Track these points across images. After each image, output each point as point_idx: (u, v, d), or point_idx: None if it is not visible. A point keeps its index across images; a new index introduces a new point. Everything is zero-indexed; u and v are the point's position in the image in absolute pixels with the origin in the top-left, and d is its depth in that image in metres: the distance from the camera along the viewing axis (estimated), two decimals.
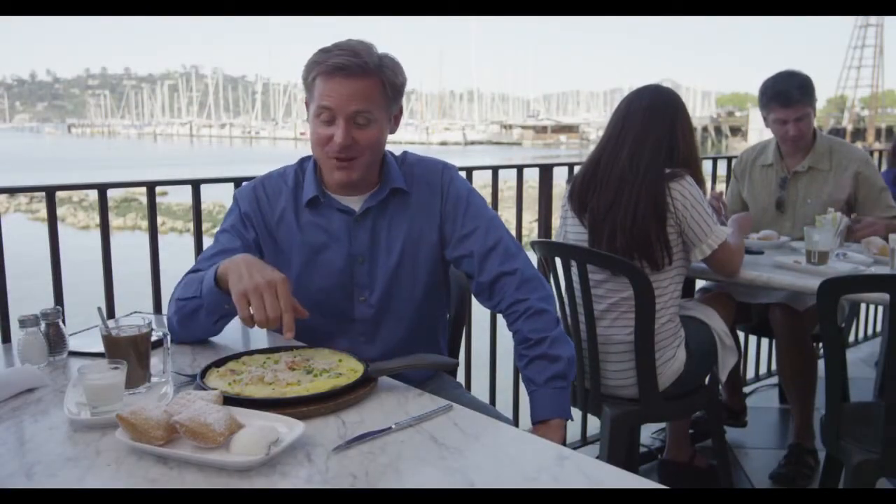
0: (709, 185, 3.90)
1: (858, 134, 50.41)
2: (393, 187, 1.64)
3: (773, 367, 3.68)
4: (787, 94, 2.78)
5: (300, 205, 1.65)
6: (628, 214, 2.11)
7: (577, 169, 2.96)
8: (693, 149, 2.22)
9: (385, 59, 1.55)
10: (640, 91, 2.25)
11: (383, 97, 1.55)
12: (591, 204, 2.20)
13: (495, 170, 2.85)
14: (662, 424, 2.94)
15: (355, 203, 1.64)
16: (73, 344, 1.55)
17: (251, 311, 1.33)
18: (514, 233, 2.74)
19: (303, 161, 1.71)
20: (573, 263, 2.18)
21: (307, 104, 1.63)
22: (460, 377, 2.37)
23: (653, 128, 2.16)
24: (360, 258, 1.63)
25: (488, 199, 2.26)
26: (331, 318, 1.65)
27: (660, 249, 2.12)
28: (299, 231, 1.65)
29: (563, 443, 1.48)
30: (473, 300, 1.83)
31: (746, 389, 3.47)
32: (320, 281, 1.63)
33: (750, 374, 3.68)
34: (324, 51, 1.54)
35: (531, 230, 3.65)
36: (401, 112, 1.65)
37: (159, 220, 2.34)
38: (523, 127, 77.95)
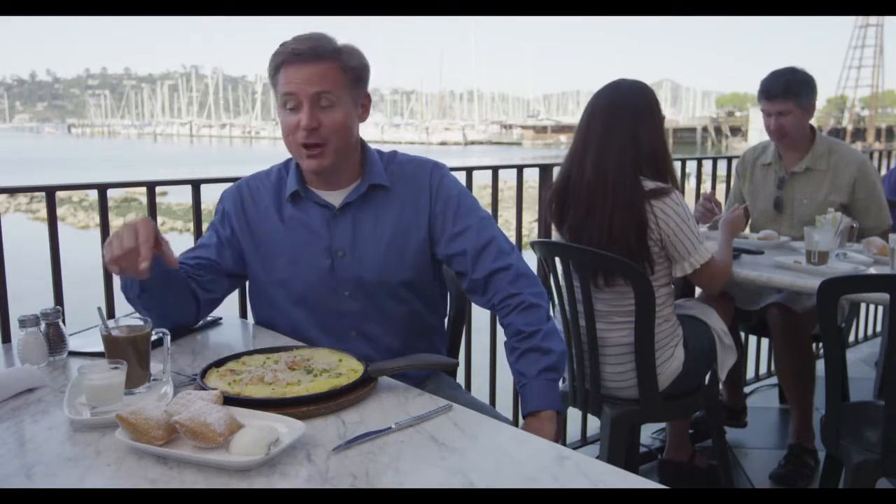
0: (708, 185, 3.92)
1: (858, 134, 50.43)
2: (372, 183, 1.65)
3: (773, 367, 3.68)
4: (770, 87, 2.79)
5: (282, 201, 1.68)
6: (603, 231, 2.08)
7: None
8: (661, 146, 2.12)
9: (342, 45, 1.60)
10: (602, 90, 2.17)
11: (344, 80, 1.58)
12: (567, 221, 2.19)
13: (495, 170, 2.85)
14: (662, 424, 2.94)
15: (335, 198, 1.66)
16: (73, 344, 1.55)
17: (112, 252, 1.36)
18: (514, 233, 2.75)
19: (289, 160, 1.73)
20: (572, 264, 2.18)
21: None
22: (460, 377, 2.37)
23: (615, 131, 2.08)
24: (341, 252, 1.63)
25: (488, 199, 2.26)
26: (318, 313, 1.66)
27: (641, 262, 2.09)
28: (282, 227, 1.67)
29: (556, 434, 1.48)
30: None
31: (746, 389, 3.47)
32: (304, 275, 1.65)
33: (750, 374, 3.68)
34: (283, 43, 1.59)
35: (531, 230, 3.65)
36: (368, 100, 1.68)
37: (159, 220, 2.35)
38: (523, 127, 78.00)
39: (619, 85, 2.17)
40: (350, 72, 1.59)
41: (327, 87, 1.55)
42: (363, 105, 1.66)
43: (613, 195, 2.07)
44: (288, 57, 1.55)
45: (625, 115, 2.10)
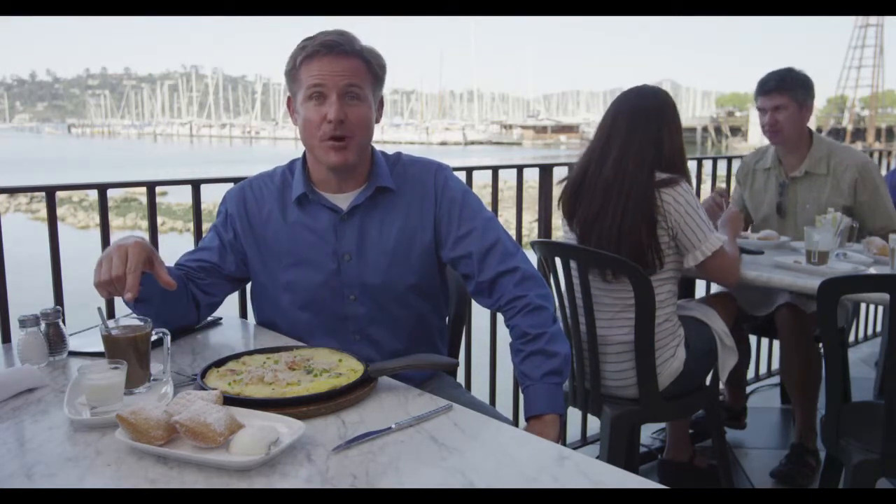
0: (708, 185, 3.91)
1: (858, 134, 50.45)
2: (379, 185, 1.64)
3: (774, 367, 3.67)
4: (765, 82, 2.81)
5: (287, 203, 1.67)
6: (614, 226, 2.10)
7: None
8: (679, 149, 2.19)
9: (366, 45, 1.60)
10: (626, 94, 2.23)
11: (370, 78, 1.59)
12: (578, 213, 2.20)
13: (495, 170, 2.85)
14: (662, 424, 2.94)
15: (343, 201, 1.65)
16: (73, 344, 1.55)
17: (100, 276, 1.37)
18: (514, 233, 2.75)
19: (293, 161, 1.73)
20: (573, 264, 2.18)
21: (290, 100, 1.65)
22: (460, 377, 2.37)
23: (638, 133, 2.14)
24: (347, 256, 1.63)
25: (488, 199, 2.26)
26: (322, 316, 1.65)
27: (651, 254, 2.11)
28: (287, 230, 1.66)
29: (558, 438, 1.48)
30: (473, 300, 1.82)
31: (747, 389, 3.46)
32: (309, 278, 1.64)
33: (750, 374, 3.67)
34: (308, 38, 1.58)
35: (531, 230, 3.65)
36: (382, 103, 1.68)
37: (159, 220, 2.34)
38: (523, 127, 78.03)
39: (643, 90, 2.24)
40: (373, 71, 1.60)
41: (356, 82, 1.56)
42: (379, 104, 1.66)
43: (628, 194, 2.10)
44: (318, 48, 1.54)
45: (650, 119, 2.16)
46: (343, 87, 1.54)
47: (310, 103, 1.56)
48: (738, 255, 2.30)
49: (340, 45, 1.54)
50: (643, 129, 2.14)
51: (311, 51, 1.55)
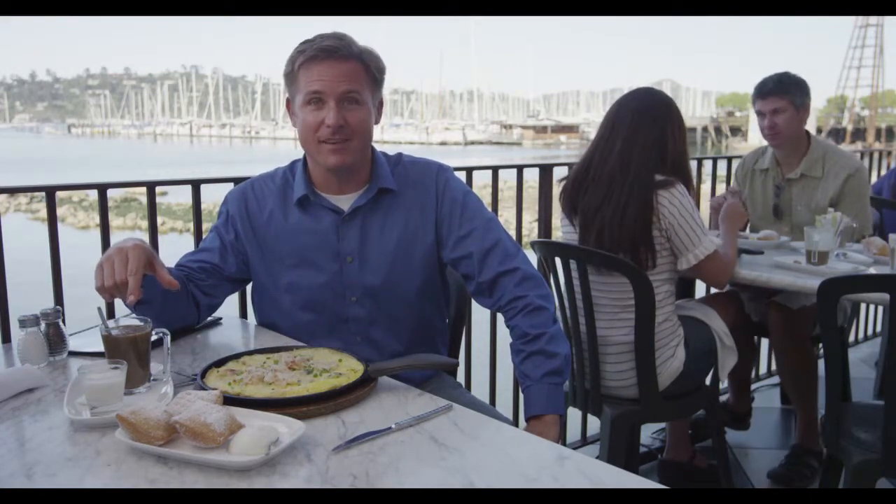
0: (709, 185, 3.91)
1: (858, 134, 50.47)
2: (381, 187, 1.64)
3: (774, 366, 3.67)
4: (763, 86, 2.83)
5: (289, 205, 1.67)
6: (616, 214, 2.11)
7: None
8: (683, 151, 2.21)
9: (364, 47, 1.60)
10: (631, 93, 2.25)
11: (369, 81, 1.59)
12: (582, 203, 2.21)
13: (495, 170, 2.85)
14: (662, 424, 2.93)
15: (344, 202, 1.65)
16: (73, 344, 1.55)
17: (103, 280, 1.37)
18: (513, 233, 2.75)
19: (294, 162, 1.73)
20: (573, 263, 2.18)
21: (289, 102, 1.64)
22: (460, 377, 2.37)
23: (642, 129, 2.15)
24: (349, 258, 1.63)
25: (488, 200, 2.26)
26: (324, 318, 1.65)
27: (644, 251, 2.12)
28: (288, 231, 1.65)
29: (558, 438, 1.48)
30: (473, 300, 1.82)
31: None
32: (311, 280, 1.64)
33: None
34: (306, 41, 1.58)
35: (531, 230, 3.65)
36: (381, 103, 1.68)
37: (159, 220, 2.34)
38: (523, 127, 78.06)
39: (650, 92, 2.25)
40: (371, 74, 1.59)
41: (355, 87, 1.55)
42: (378, 106, 1.66)
43: (630, 188, 2.10)
44: (316, 53, 1.54)
45: (653, 118, 2.17)
46: (341, 92, 1.54)
47: (308, 108, 1.56)
48: (734, 255, 2.30)
49: (339, 50, 1.54)
50: (647, 127, 2.15)
51: (310, 55, 1.54)
